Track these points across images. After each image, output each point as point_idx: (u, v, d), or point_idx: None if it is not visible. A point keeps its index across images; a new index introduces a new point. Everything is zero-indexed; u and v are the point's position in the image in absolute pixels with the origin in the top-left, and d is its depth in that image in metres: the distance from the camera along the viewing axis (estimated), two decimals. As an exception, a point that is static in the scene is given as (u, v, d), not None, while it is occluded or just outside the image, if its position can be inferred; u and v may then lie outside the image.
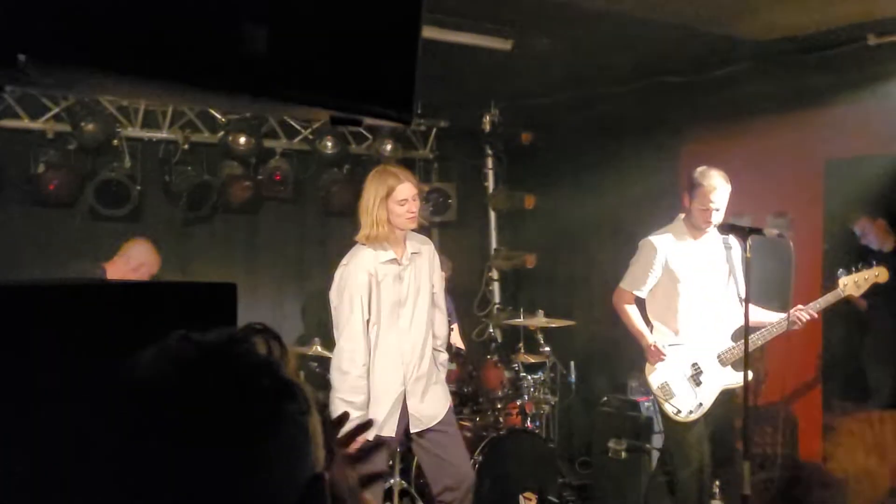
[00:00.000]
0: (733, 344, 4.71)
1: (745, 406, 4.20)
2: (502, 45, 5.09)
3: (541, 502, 5.56)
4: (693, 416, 4.70)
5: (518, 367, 5.91)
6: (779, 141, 6.39)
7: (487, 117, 7.31)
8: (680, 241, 4.77)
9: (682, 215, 4.84)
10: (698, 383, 4.71)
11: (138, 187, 6.11)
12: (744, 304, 4.18)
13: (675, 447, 4.89)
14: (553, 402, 6.09)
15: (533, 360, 6.08)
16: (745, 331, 4.15)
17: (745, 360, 4.19)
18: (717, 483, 5.27)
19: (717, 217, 4.65)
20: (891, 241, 5.85)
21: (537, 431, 5.91)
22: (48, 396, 1.11)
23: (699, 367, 4.72)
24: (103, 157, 6.12)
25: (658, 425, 5.60)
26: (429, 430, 4.39)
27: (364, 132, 7.13)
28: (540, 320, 6.18)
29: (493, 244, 7.69)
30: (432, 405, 4.40)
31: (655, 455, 5.63)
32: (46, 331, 1.21)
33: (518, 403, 5.83)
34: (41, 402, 1.10)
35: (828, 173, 6.37)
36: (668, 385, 4.75)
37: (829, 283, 5.16)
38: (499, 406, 5.75)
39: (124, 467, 0.88)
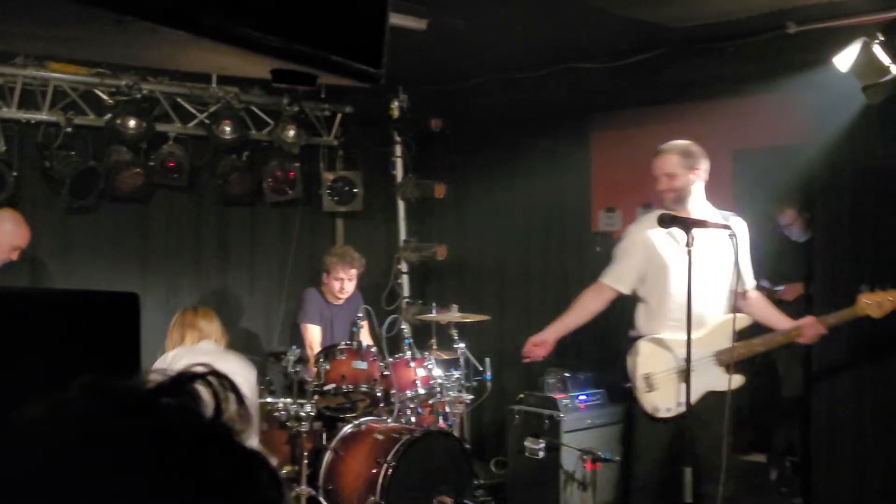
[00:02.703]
0: (735, 344, 4.20)
1: (687, 405, 4.00)
2: (416, 24, 4.79)
3: (456, 506, 5.33)
4: (670, 415, 4.24)
5: (431, 364, 5.64)
6: (687, 129, 6.28)
7: (396, 103, 7.00)
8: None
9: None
10: (684, 380, 4.06)
11: (14, 173, 5.62)
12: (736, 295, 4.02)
13: (640, 447, 4.41)
14: (468, 401, 5.84)
15: (446, 357, 5.84)
16: (688, 324, 3.89)
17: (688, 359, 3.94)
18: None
19: (667, 185, 4.34)
20: (808, 232, 5.81)
21: (451, 431, 5.67)
22: None
23: (690, 363, 4.04)
24: (-26, 140, 5.58)
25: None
26: None
27: (265, 117, 6.73)
28: (454, 315, 5.94)
29: (402, 235, 7.38)
30: None
31: (573, 454, 5.43)
32: None
33: (431, 403, 5.57)
34: None
35: (736, 163, 6.32)
36: (651, 377, 4.28)
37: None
38: (412, 406, 5.48)
39: None
